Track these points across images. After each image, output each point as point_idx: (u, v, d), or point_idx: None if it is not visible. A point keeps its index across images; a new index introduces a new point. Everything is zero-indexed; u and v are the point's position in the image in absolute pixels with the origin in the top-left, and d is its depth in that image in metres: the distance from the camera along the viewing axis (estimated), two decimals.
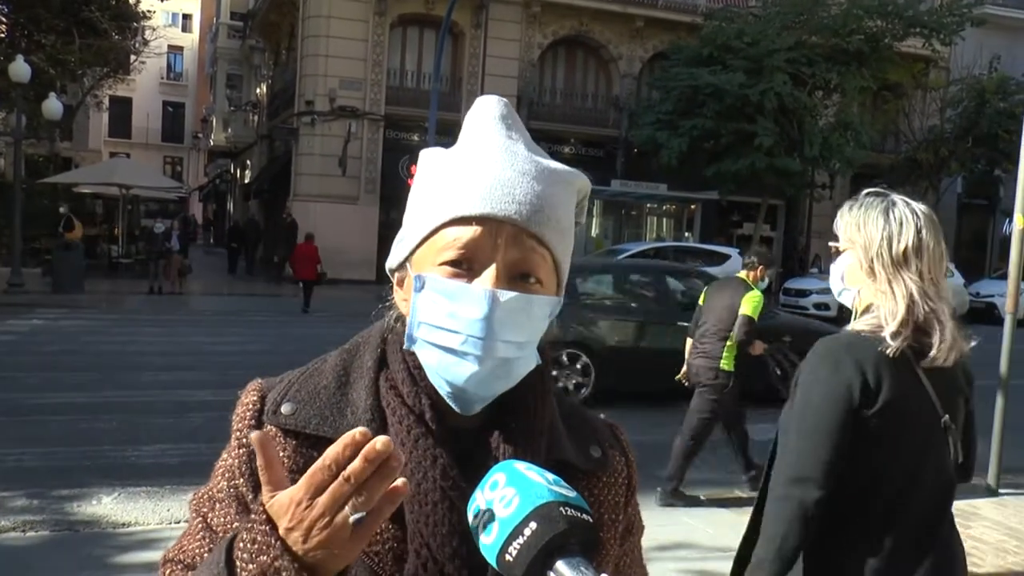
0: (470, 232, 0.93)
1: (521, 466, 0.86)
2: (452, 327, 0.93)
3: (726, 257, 20.44)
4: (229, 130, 38.92)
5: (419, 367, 0.99)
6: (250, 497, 0.97)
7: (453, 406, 0.97)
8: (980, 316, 21.91)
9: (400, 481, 0.77)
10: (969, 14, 24.26)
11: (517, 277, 0.95)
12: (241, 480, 0.99)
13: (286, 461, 0.97)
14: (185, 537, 1.02)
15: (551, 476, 0.86)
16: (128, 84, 39.19)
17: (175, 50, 56.98)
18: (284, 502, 0.79)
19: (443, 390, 0.97)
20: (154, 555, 4.65)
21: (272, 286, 23.38)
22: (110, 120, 49.87)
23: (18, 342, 12.12)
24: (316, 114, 24.44)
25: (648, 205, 27.44)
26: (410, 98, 25.31)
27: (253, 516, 0.81)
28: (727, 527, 5.41)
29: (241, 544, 0.81)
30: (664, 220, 29.02)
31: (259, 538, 0.79)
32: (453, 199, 0.95)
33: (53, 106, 20.68)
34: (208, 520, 1.00)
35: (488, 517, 0.83)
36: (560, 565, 0.80)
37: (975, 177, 29.03)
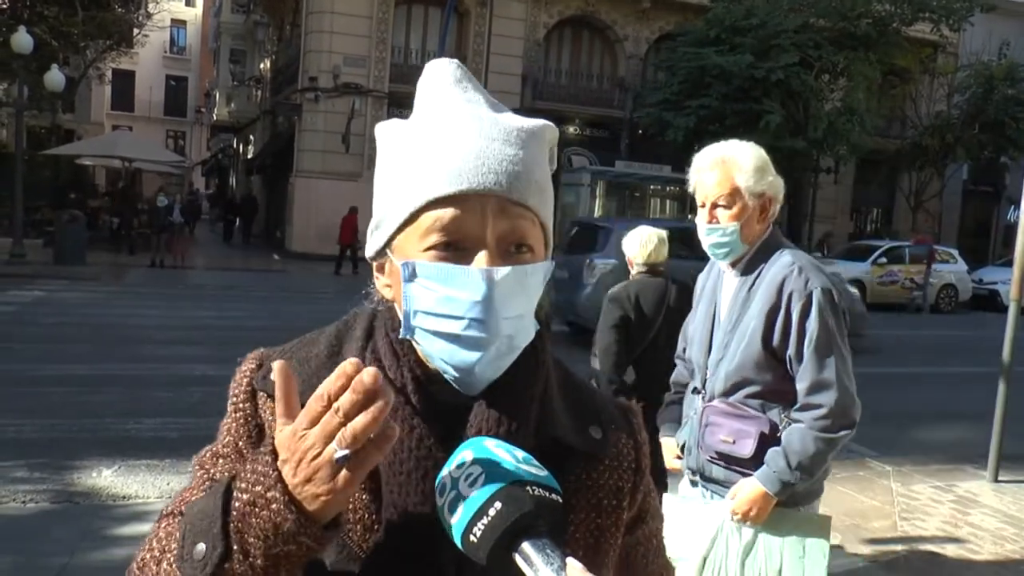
0: (452, 212, 0.90)
1: (490, 443, 0.84)
2: (451, 312, 0.90)
3: None
4: (232, 105, 38.78)
5: (401, 343, 0.97)
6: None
7: (458, 388, 0.95)
8: (984, 303, 21.94)
9: (390, 426, 0.77)
10: (979, 0, 24.07)
11: (509, 249, 0.92)
12: (241, 442, 0.98)
13: (274, 425, 0.95)
14: (187, 491, 0.99)
15: (521, 454, 0.84)
16: (131, 57, 38.96)
17: (178, 24, 56.62)
18: (287, 433, 0.79)
19: (449, 375, 0.94)
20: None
21: (272, 261, 23.36)
22: (113, 93, 49.59)
23: (19, 313, 12.12)
24: (320, 90, 24.32)
25: (652, 186, 27.30)
26: (414, 76, 24.12)
27: (260, 448, 0.82)
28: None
29: (243, 474, 0.81)
30: (667, 202, 28.89)
31: (259, 468, 0.79)
32: (427, 179, 0.91)
33: (55, 78, 20.57)
34: (211, 473, 0.99)
35: (454, 496, 0.81)
36: (526, 546, 0.78)
37: (981, 164, 28.90)
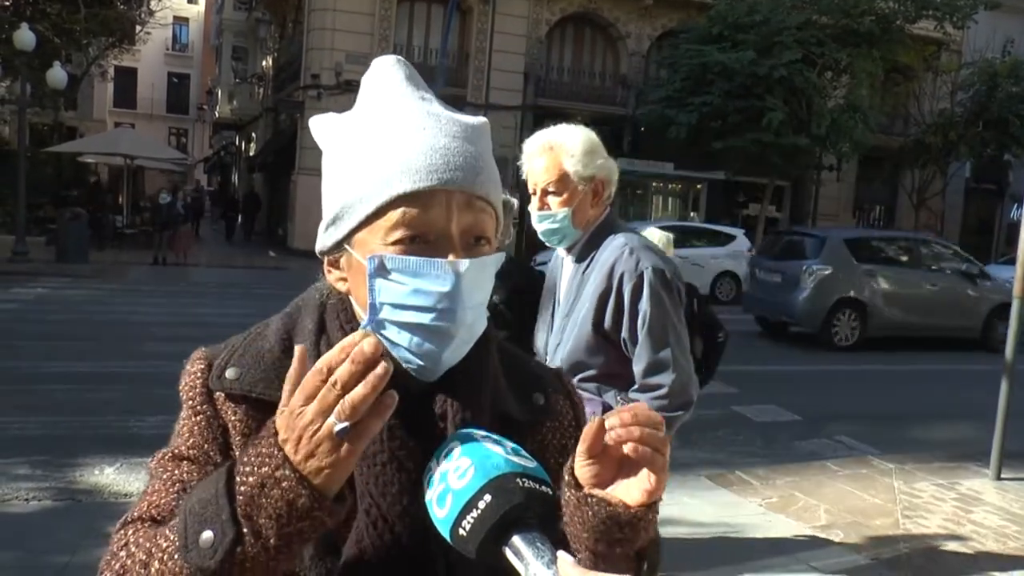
0: (420, 207, 0.92)
1: (479, 434, 0.84)
2: (420, 304, 0.93)
3: (731, 238, 20.39)
4: (234, 102, 38.77)
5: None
6: (219, 459, 0.96)
7: (418, 376, 0.97)
8: None
9: (388, 393, 0.78)
10: None
11: (470, 241, 0.95)
12: (207, 445, 0.98)
13: (238, 424, 0.98)
14: (152, 495, 0.96)
15: (510, 445, 0.83)
16: (133, 55, 38.91)
17: (181, 21, 56.58)
18: (284, 413, 0.80)
19: (411, 365, 0.96)
20: None
21: (275, 258, 23.35)
22: (115, 90, 49.63)
23: (21, 311, 12.13)
24: (322, 88, 24.30)
25: (654, 184, 27.32)
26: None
27: (261, 432, 0.82)
28: (730, 507, 5.42)
29: (244, 459, 0.81)
30: (670, 199, 28.90)
31: (263, 450, 0.80)
32: (393, 175, 0.92)
33: (58, 75, 20.57)
34: (178, 476, 0.96)
35: (443, 489, 0.80)
36: (516, 540, 0.77)
37: (984, 162, 28.83)
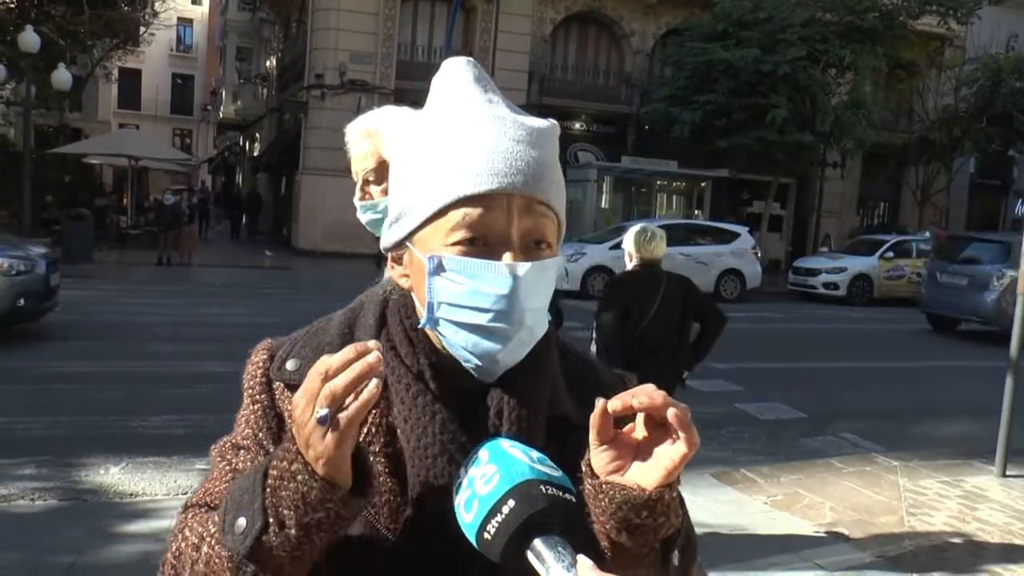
0: (480, 209, 0.93)
1: (505, 443, 0.86)
2: (478, 305, 0.94)
3: (736, 235, 20.38)
4: (238, 103, 38.81)
5: (416, 329, 1.01)
6: (271, 449, 0.99)
7: (477, 376, 0.99)
8: None
9: (373, 383, 0.80)
10: None
11: (530, 245, 0.96)
12: (261, 434, 1.01)
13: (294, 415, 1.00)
14: (210, 482, 1.02)
15: (536, 454, 0.85)
16: (138, 56, 39.04)
17: (185, 22, 56.67)
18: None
19: (470, 364, 0.98)
20: (160, 524, 4.67)
21: (279, 258, 23.39)
22: (119, 92, 49.73)
23: None
24: (326, 87, 24.33)
25: (658, 182, 27.26)
26: (420, 72, 25.09)
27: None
28: (735, 505, 5.41)
29: (277, 452, 0.86)
30: (674, 197, 28.83)
31: (286, 444, 0.85)
32: (457, 176, 0.94)
33: (62, 76, 20.63)
34: (233, 465, 1.02)
35: (469, 494, 0.83)
36: (538, 543, 0.79)
37: (988, 157, 28.76)
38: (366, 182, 2.39)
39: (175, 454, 5.99)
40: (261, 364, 1.05)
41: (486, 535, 0.80)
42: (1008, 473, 6.25)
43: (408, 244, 1.00)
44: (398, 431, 0.97)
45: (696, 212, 27.86)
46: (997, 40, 27.43)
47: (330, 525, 0.84)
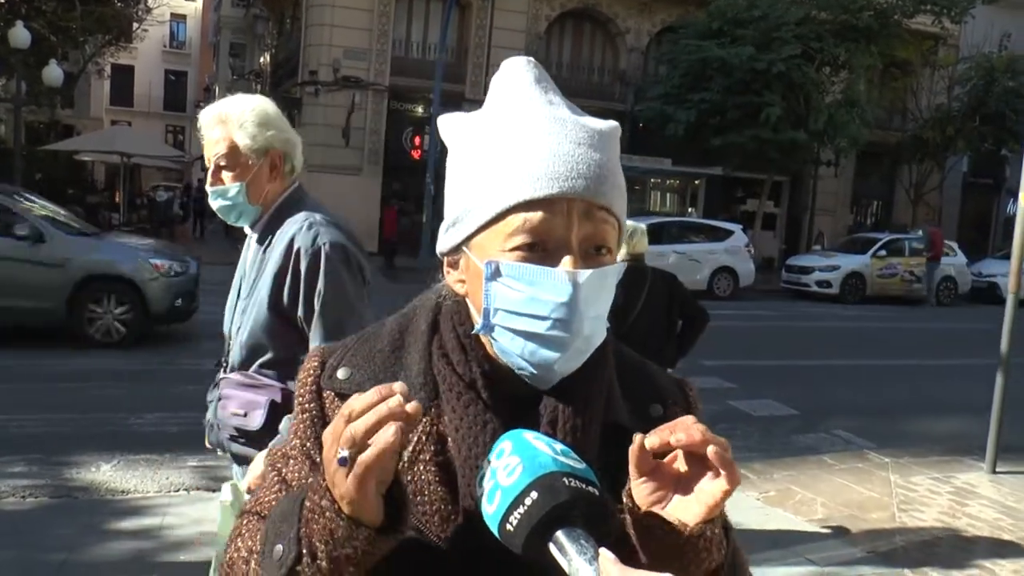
0: (541, 214, 0.91)
1: (529, 435, 0.85)
2: (536, 312, 0.92)
3: (729, 233, 20.42)
4: None
5: (469, 336, 0.99)
6: (318, 459, 0.99)
7: (532, 384, 0.97)
8: (982, 296, 21.95)
9: (391, 429, 0.78)
10: None
11: (590, 251, 0.94)
12: (308, 443, 1.01)
13: None
14: (262, 490, 1.03)
15: (559, 446, 0.85)
16: (130, 52, 38.88)
17: (178, 18, 56.40)
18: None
19: (525, 371, 0.96)
20: (153, 521, 4.68)
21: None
22: (112, 88, 49.51)
23: None
24: (320, 84, 24.28)
25: (652, 180, 27.33)
26: (415, 69, 25.14)
27: None
28: (727, 501, 5.42)
29: (313, 483, 0.86)
30: (668, 195, 28.91)
31: (319, 477, 0.85)
32: (516, 180, 0.91)
33: (53, 73, 20.55)
34: (283, 475, 1.02)
35: (492, 486, 0.83)
36: (560, 535, 0.79)
37: (981, 156, 28.87)
38: (218, 168, 2.38)
39: (168, 451, 5.98)
40: (312, 372, 1.03)
41: (508, 526, 0.80)
42: (998, 470, 6.28)
43: (464, 249, 0.98)
44: (449, 440, 0.96)
45: (690, 210, 27.93)
46: (991, 39, 27.52)
47: (359, 560, 0.83)
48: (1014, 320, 6.39)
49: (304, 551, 0.84)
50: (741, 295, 19.71)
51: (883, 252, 21.22)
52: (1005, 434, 6.31)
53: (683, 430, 0.84)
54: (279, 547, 0.86)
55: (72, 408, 7.01)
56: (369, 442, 0.79)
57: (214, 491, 5.33)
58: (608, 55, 28.01)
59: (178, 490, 5.34)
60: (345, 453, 0.79)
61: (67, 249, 9.54)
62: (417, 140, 23.32)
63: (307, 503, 0.85)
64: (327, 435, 0.83)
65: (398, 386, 0.81)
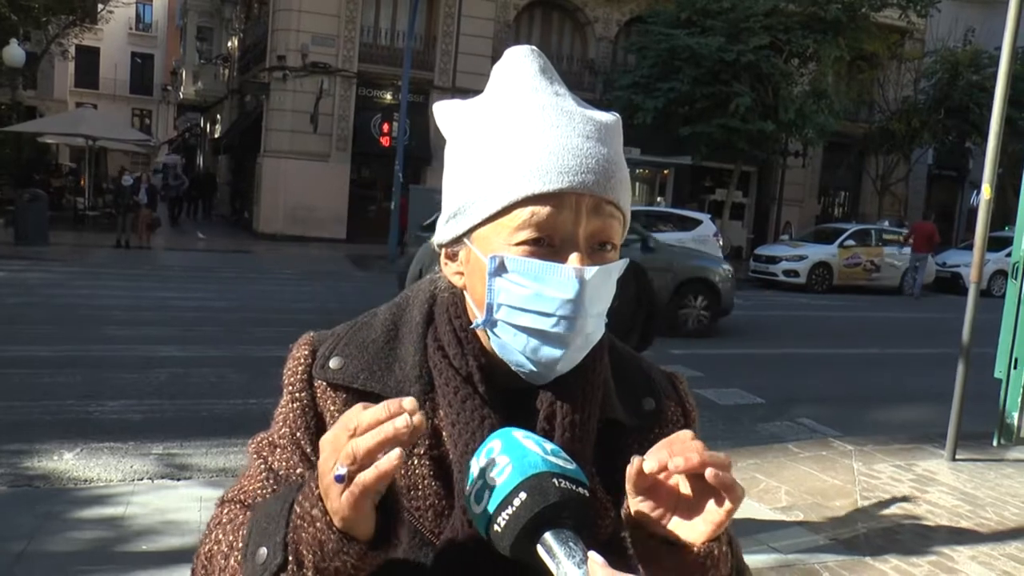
0: (549, 209, 0.89)
1: (519, 434, 0.84)
2: (541, 309, 0.90)
3: (698, 223, 20.51)
4: (199, 83, 38.22)
5: (465, 330, 0.97)
6: (308, 449, 0.97)
7: (529, 380, 0.96)
8: (946, 286, 22.27)
9: (395, 453, 0.75)
10: None
11: (595, 247, 0.92)
12: (299, 433, 0.98)
13: (336, 414, 0.97)
14: (245, 479, 1.01)
15: (549, 446, 0.83)
16: (95, 34, 38.26)
17: (144, 0, 55.64)
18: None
19: (524, 369, 0.95)
20: (116, 510, 4.62)
21: (239, 241, 23.13)
22: (76, 70, 48.69)
23: None
24: (288, 70, 24.04)
25: None
26: (383, 56, 24.98)
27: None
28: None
29: (304, 487, 0.84)
30: (637, 184, 29.00)
31: (311, 483, 0.82)
32: (524, 174, 0.89)
33: (15, 53, 20.17)
34: (269, 463, 1.00)
35: (480, 485, 0.81)
36: (548, 538, 0.77)
37: (946, 148, 29.29)
38: None
39: (131, 439, 5.92)
40: (303, 360, 1.01)
41: (496, 527, 0.79)
42: (957, 457, 6.38)
43: (466, 241, 0.96)
44: (444, 434, 0.94)
45: (659, 199, 28.04)
46: (955, 34, 27.90)
47: (347, 573, 0.81)
48: (976, 310, 6.49)
49: (290, 558, 0.81)
50: None
51: (851, 242, 21.47)
52: (965, 422, 6.42)
53: (680, 452, 0.82)
54: (263, 550, 0.83)
55: (25, 396, 6.90)
56: (370, 461, 0.76)
57: (178, 479, 5.28)
58: (577, 44, 28.00)
59: (142, 478, 5.28)
60: (343, 471, 0.76)
61: None
62: (386, 127, 23.16)
63: (297, 508, 0.81)
64: (325, 442, 0.79)
65: (407, 403, 0.77)
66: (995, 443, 6.35)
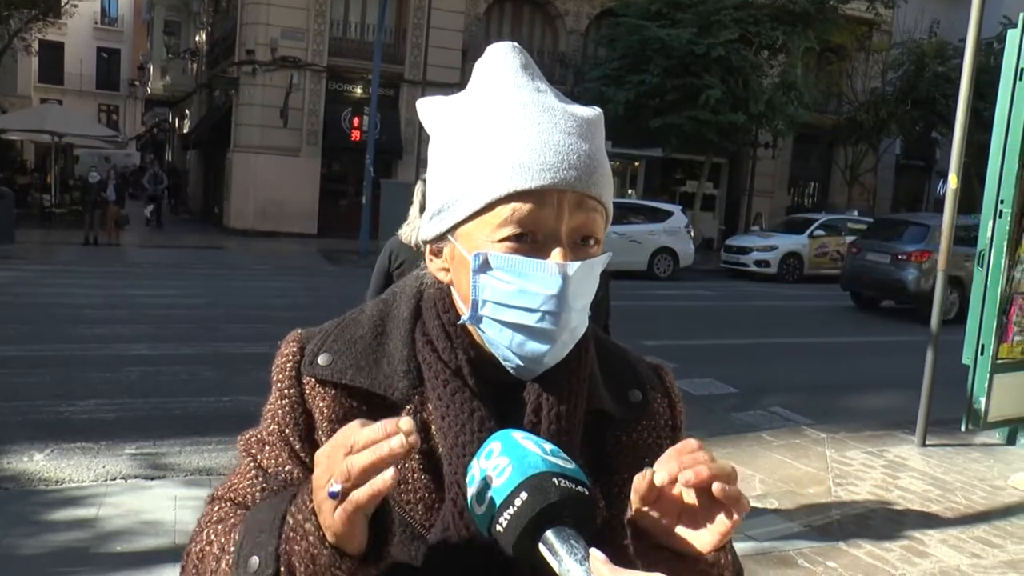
0: (531, 205, 0.90)
1: (518, 435, 0.85)
2: (525, 305, 0.91)
3: (669, 214, 20.63)
4: (167, 78, 37.78)
5: (454, 324, 0.98)
6: (297, 446, 0.97)
7: (515, 374, 0.97)
8: None
9: (389, 473, 0.75)
10: None
11: (578, 242, 0.93)
12: (288, 429, 0.98)
13: (325, 411, 0.97)
14: (235, 476, 1.01)
15: (548, 446, 0.84)
16: (59, 28, 37.69)
17: None
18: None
19: (511, 363, 0.95)
20: (88, 512, 4.57)
21: (210, 237, 22.91)
22: (40, 65, 47.99)
23: None
24: (257, 64, 23.83)
25: None
26: (353, 50, 24.81)
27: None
28: None
29: (297, 498, 0.83)
30: None
31: (304, 495, 0.81)
32: (506, 171, 0.90)
33: None
34: (258, 461, 1.00)
35: (481, 486, 0.82)
36: (550, 536, 0.78)
37: (913, 139, 29.65)
38: None
39: (103, 439, 5.86)
40: (291, 357, 1.01)
41: (498, 527, 0.79)
42: (928, 443, 6.48)
43: (450, 238, 0.96)
44: (433, 428, 0.95)
45: (629, 191, 28.10)
46: (921, 26, 28.21)
47: None
48: (944, 298, 6.59)
49: (282, 569, 0.81)
50: (681, 275, 19.96)
51: (821, 232, 21.68)
52: (934, 408, 6.52)
53: (690, 464, 0.82)
54: (255, 559, 0.83)
55: None
56: (365, 479, 0.76)
57: (152, 479, 5.23)
58: (548, 37, 28.00)
59: (115, 478, 5.23)
60: (337, 488, 0.76)
61: None
62: (356, 121, 23.05)
63: (290, 519, 0.81)
64: (321, 457, 0.79)
65: (404, 424, 0.76)
66: (963, 428, 6.45)
